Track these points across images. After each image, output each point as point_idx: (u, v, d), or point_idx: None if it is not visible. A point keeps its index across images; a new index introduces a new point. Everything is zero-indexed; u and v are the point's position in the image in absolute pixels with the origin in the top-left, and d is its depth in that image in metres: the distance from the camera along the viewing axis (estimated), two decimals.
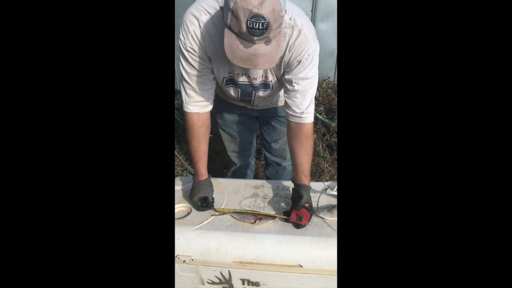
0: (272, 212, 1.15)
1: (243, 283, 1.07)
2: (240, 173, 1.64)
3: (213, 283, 1.09)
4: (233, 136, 1.52)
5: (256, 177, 2.00)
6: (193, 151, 1.15)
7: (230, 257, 1.02)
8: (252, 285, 1.07)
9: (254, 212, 1.11)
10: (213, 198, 1.20)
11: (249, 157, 1.64)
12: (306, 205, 1.08)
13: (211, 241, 1.04)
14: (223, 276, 1.07)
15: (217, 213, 1.15)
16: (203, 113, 1.13)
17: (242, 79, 1.14)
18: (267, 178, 1.69)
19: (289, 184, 1.31)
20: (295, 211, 1.05)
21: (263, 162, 1.93)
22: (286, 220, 1.08)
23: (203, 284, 1.10)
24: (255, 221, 1.09)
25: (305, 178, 1.11)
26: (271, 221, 1.08)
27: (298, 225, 1.06)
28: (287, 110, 1.10)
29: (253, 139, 1.59)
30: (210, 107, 1.16)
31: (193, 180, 1.18)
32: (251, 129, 1.55)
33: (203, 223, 1.10)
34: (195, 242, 1.04)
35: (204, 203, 1.16)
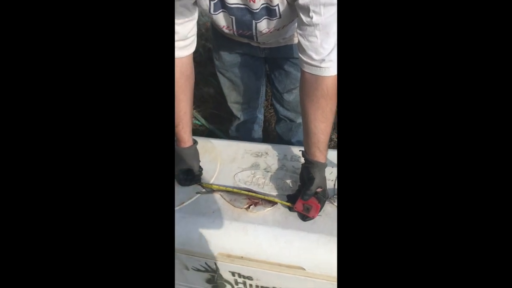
0: (273, 194, 0.88)
1: (233, 275, 0.89)
2: (244, 128, 1.36)
3: (198, 270, 0.91)
4: (234, 83, 1.19)
5: (266, 132, 1.70)
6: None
7: (215, 249, 0.81)
8: (244, 278, 0.88)
9: (250, 193, 0.86)
10: (200, 169, 0.95)
11: (256, 110, 1.33)
12: (318, 190, 0.80)
13: (192, 229, 0.83)
14: (209, 266, 0.88)
15: (203, 190, 0.91)
16: (180, 58, 0.80)
17: (235, 1, 0.76)
18: (278, 135, 1.39)
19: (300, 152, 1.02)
20: (301, 201, 0.78)
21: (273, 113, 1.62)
22: (289, 208, 0.82)
23: (188, 270, 0.93)
24: (249, 206, 0.84)
25: (320, 154, 0.81)
26: (269, 208, 0.83)
27: (304, 216, 0.80)
28: (301, 55, 0.74)
29: (260, 86, 1.25)
30: (191, 49, 0.82)
31: (175, 147, 0.91)
32: (258, 74, 1.19)
33: (184, 204, 0.87)
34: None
35: (187, 176, 0.91)
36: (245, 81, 1.18)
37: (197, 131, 1.83)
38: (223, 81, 1.21)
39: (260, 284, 0.89)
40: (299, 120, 1.26)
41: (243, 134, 1.37)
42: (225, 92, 1.24)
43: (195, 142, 0.93)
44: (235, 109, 1.28)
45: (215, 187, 0.90)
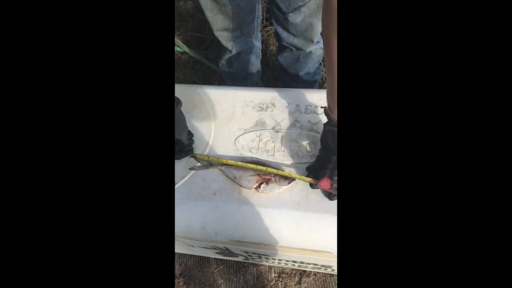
0: (287, 163, 0.70)
1: (247, 252, 0.78)
2: (239, 62, 1.07)
3: (206, 248, 0.80)
4: (219, 2, 0.86)
5: (264, 62, 1.38)
6: None
7: (223, 237, 0.68)
8: (260, 254, 0.78)
9: (258, 167, 0.67)
10: (190, 136, 0.74)
11: (252, 36, 1.01)
12: None
13: (192, 216, 0.67)
14: (217, 247, 0.77)
15: (198, 164, 0.72)
16: None
17: None
18: (281, 66, 1.12)
19: (318, 98, 0.78)
20: (328, 180, 0.60)
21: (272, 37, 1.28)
22: (311, 185, 0.65)
23: (194, 247, 0.82)
24: (259, 185, 0.66)
25: None
26: (285, 186, 0.66)
27: (331, 195, 0.64)
28: None
29: (255, 4, 0.91)
30: None
31: None
32: None
33: (177, 185, 0.70)
34: None
35: (175, 148, 0.71)
36: (235, 0, 0.85)
37: (179, 61, 1.51)
38: (204, 2, 0.87)
39: (277, 257, 0.79)
40: (309, 49, 0.97)
41: (238, 69, 1.09)
42: (208, 17, 0.91)
43: (178, 103, 0.69)
44: (224, 38, 0.97)
45: (213, 159, 0.71)
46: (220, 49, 1.06)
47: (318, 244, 0.63)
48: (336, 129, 0.61)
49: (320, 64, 1.16)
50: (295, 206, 0.64)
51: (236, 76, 1.12)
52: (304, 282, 1.03)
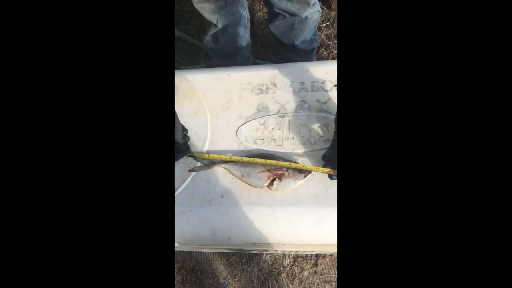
0: (299, 152, 0.62)
1: (265, 250, 0.73)
2: (225, 36, 0.94)
3: (218, 252, 0.74)
4: None
5: (252, 33, 1.24)
6: None
7: (237, 241, 0.61)
8: (277, 249, 0.72)
9: (267, 161, 0.59)
10: (184, 133, 0.64)
11: (237, 5, 0.88)
12: None
13: (199, 224, 0.60)
14: (231, 249, 0.71)
15: (198, 165, 0.63)
16: None
17: None
18: (273, 36, 0.99)
19: (324, 72, 0.69)
20: None
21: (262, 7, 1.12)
22: (330, 176, 0.58)
23: (204, 250, 0.76)
24: (271, 182, 0.58)
25: None
26: (301, 181, 0.58)
27: None
28: None
29: None
30: None
31: None
32: None
33: (178, 191, 0.61)
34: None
35: None
36: None
37: None
38: None
39: (294, 249, 0.74)
40: (306, 13, 0.85)
41: (225, 45, 0.97)
42: None
43: None
44: (207, 11, 0.84)
45: (214, 156, 0.62)
46: (203, 23, 0.93)
47: None
48: None
49: (317, 30, 1.04)
50: (314, 202, 0.57)
51: (224, 53, 0.99)
52: (320, 264, 1.00)
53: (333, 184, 0.58)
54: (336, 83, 0.58)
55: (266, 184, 0.58)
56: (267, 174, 0.58)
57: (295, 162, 0.59)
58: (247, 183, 0.59)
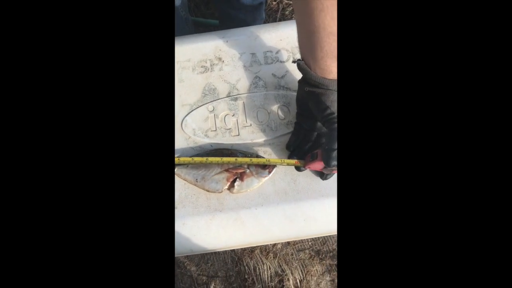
0: (260, 141, 0.53)
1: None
2: None
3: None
4: None
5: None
6: None
7: (203, 249, 0.54)
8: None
9: (225, 160, 0.49)
10: None
11: None
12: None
13: None
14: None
15: None
16: None
17: None
18: None
19: (278, 38, 0.57)
20: (321, 162, 0.45)
21: None
22: (297, 168, 0.50)
23: None
24: (232, 184, 0.50)
25: (333, 65, 0.41)
26: (265, 178, 0.50)
27: (324, 174, 0.50)
28: None
29: None
30: None
31: None
32: None
33: None
34: None
35: None
36: None
37: None
38: None
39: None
40: None
41: None
42: None
43: None
44: None
45: None
46: None
47: (318, 231, 0.53)
48: (320, 90, 0.43)
49: None
50: (282, 198, 0.50)
51: None
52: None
53: (301, 175, 0.51)
54: (295, 59, 0.47)
55: (226, 187, 0.49)
56: (225, 175, 0.49)
57: (257, 156, 0.50)
58: (203, 189, 0.50)
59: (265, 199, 0.50)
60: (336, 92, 0.43)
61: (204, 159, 0.50)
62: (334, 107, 0.43)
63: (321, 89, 0.43)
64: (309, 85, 0.45)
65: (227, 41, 0.58)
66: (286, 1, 1.12)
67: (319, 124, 0.49)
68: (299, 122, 0.51)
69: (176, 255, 0.55)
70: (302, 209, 0.50)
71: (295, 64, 0.46)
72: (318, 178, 0.51)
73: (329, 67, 0.42)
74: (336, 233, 0.55)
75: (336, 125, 0.43)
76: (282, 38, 0.58)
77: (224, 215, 0.50)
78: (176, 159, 0.50)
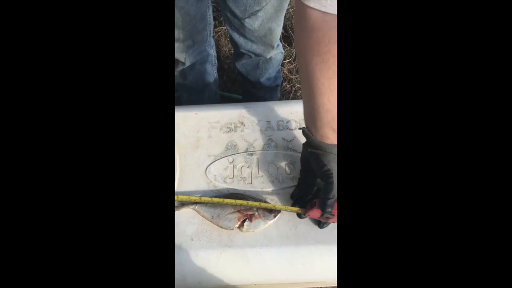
0: (268, 190, 0.63)
1: None
2: (193, 73, 0.96)
3: None
4: None
5: (219, 66, 1.28)
6: None
7: (209, 284, 0.60)
8: None
9: (238, 202, 0.59)
10: None
11: (205, 44, 0.91)
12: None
13: None
14: None
15: None
16: None
17: None
18: (239, 73, 1.03)
19: (288, 112, 0.73)
20: (318, 210, 0.55)
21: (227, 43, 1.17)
22: (299, 215, 0.60)
23: None
24: (242, 224, 0.59)
25: (334, 134, 0.54)
26: (271, 221, 0.59)
27: (321, 223, 0.59)
28: None
29: (206, 9, 0.81)
30: None
31: None
32: None
33: None
34: None
35: None
36: (182, 7, 0.74)
37: None
38: None
39: None
40: (270, 54, 0.90)
41: (193, 81, 0.98)
42: None
43: None
44: (175, 49, 0.86)
45: (183, 198, 0.61)
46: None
47: (314, 277, 0.59)
48: (319, 152, 0.55)
49: (280, 66, 1.10)
50: (284, 241, 0.58)
51: (192, 88, 1.01)
52: None
53: (302, 222, 0.59)
54: (301, 127, 0.61)
55: (237, 225, 0.58)
56: (237, 215, 0.59)
57: (265, 202, 0.60)
58: (217, 225, 0.59)
59: (269, 240, 0.58)
60: (331, 154, 0.55)
61: (221, 200, 0.60)
62: (330, 165, 0.55)
63: (320, 151, 0.56)
64: (311, 147, 0.57)
65: (249, 110, 0.73)
66: (298, 85, 1.34)
67: (318, 180, 0.59)
68: (302, 177, 0.62)
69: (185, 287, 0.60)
70: (301, 253, 0.57)
71: (301, 131, 0.60)
72: (316, 227, 0.59)
73: (326, 134, 0.54)
74: (330, 284, 0.60)
75: (331, 179, 0.54)
76: (292, 112, 0.73)
77: (232, 251, 0.57)
78: (197, 198, 0.61)
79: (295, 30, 0.50)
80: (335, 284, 0.61)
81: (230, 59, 1.38)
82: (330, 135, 0.54)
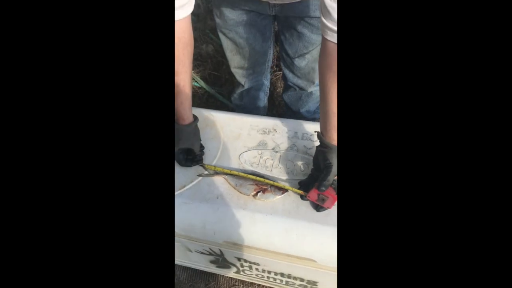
0: (283, 178, 0.80)
1: (239, 260, 0.85)
2: (249, 96, 1.23)
3: (202, 253, 0.87)
4: (238, 45, 1.04)
5: (271, 99, 1.56)
6: None
7: (220, 238, 0.76)
8: (250, 263, 0.84)
9: (257, 178, 0.77)
10: (201, 149, 0.85)
11: (262, 76, 1.19)
12: (336, 178, 0.71)
13: (194, 216, 0.76)
14: (213, 251, 0.84)
15: (205, 173, 0.82)
16: (176, 21, 0.65)
17: None
18: (285, 104, 1.27)
19: (314, 128, 0.92)
20: (316, 190, 0.70)
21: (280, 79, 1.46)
22: (301, 197, 0.75)
23: (191, 252, 0.89)
24: (256, 193, 0.76)
25: (336, 134, 0.71)
26: (279, 196, 0.75)
27: (318, 207, 0.73)
28: (324, 19, 0.61)
29: (268, 49, 1.10)
30: (189, 9, 0.67)
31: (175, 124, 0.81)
32: (265, 35, 1.04)
33: (185, 187, 0.80)
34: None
35: (187, 156, 0.82)
36: (250, 43, 1.03)
37: (195, 94, 1.69)
38: (226, 43, 1.05)
39: (266, 269, 0.85)
40: (310, 89, 1.13)
41: (247, 102, 1.25)
42: (227, 56, 1.09)
43: (195, 119, 0.82)
44: (239, 75, 1.14)
45: (218, 169, 0.81)
46: (234, 84, 1.23)
47: (304, 252, 0.71)
48: (326, 150, 0.72)
49: None
50: (286, 214, 0.73)
51: (246, 108, 1.27)
52: None
53: (304, 204, 0.74)
54: (317, 131, 0.79)
55: (252, 194, 0.75)
56: (254, 186, 0.76)
57: (278, 182, 0.77)
58: (238, 191, 0.77)
59: (275, 211, 0.73)
60: (335, 153, 0.71)
61: (245, 175, 0.78)
62: (332, 161, 0.71)
63: (327, 149, 0.72)
64: (321, 146, 0.74)
65: (282, 122, 0.94)
66: None
67: (323, 174, 0.75)
68: (312, 173, 0.78)
69: (201, 237, 0.76)
70: (298, 226, 0.71)
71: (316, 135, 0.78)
72: (314, 210, 0.73)
73: (332, 136, 0.72)
74: (321, 264, 0.71)
75: (330, 169, 0.69)
76: (317, 129, 0.91)
77: (244, 212, 0.74)
78: (228, 171, 0.80)
79: (319, 59, 0.71)
80: (326, 265, 0.71)
81: (281, 97, 1.64)
82: (335, 137, 0.71)
